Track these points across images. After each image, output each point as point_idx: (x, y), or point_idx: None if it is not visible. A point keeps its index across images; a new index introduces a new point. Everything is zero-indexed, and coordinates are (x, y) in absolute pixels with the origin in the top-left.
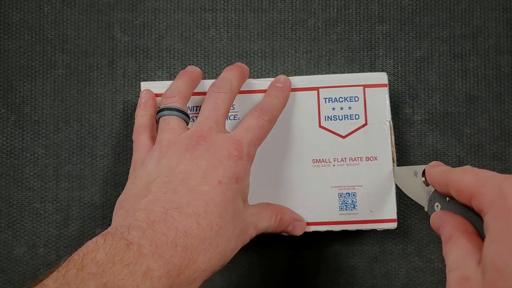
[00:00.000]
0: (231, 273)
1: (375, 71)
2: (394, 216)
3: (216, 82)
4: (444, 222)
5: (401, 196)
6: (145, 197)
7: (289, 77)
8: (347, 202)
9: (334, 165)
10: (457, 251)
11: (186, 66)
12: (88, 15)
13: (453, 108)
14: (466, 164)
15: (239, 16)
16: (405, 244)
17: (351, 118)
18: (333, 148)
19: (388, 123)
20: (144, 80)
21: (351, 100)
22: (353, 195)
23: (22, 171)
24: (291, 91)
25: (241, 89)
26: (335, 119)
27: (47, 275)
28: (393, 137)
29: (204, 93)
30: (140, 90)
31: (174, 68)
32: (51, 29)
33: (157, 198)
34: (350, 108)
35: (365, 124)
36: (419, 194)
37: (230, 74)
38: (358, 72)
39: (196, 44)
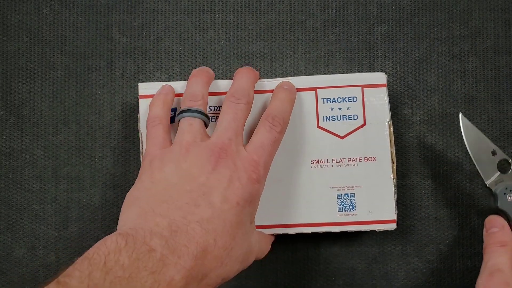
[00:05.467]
0: None
1: (373, 71)
2: (393, 217)
3: (235, 92)
4: (505, 228)
5: (400, 196)
6: (165, 202)
7: (287, 78)
8: (346, 203)
9: (332, 166)
10: (508, 258)
11: (184, 68)
12: (86, 16)
13: (452, 108)
14: (465, 166)
15: (238, 17)
16: (405, 245)
17: (350, 118)
18: (331, 149)
19: (387, 123)
20: (142, 82)
21: (350, 100)
22: (352, 196)
23: (21, 173)
24: None
25: None
26: (333, 119)
27: (63, 270)
28: (392, 137)
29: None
30: (138, 92)
31: (173, 70)
32: (50, 31)
33: (179, 207)
34: (348, 108)
35: (364, 124)
36: (484, 165)
37: (247, 82)
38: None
39: (194, 46)
